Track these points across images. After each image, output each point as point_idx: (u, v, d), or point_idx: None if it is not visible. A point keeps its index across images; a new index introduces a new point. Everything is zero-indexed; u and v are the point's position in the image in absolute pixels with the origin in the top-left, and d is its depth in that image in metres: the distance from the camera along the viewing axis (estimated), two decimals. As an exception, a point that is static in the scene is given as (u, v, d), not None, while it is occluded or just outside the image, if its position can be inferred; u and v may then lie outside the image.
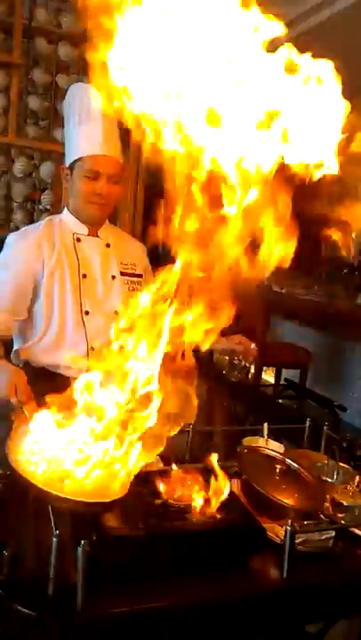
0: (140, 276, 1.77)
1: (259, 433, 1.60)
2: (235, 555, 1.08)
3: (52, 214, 2.37)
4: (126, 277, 1.71)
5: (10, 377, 1.34)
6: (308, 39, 1.34)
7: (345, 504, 1.29)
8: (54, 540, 0.90)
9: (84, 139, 1.58)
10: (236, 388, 1.79)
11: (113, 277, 1.69)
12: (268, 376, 4.79)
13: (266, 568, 1.08)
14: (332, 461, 1.47)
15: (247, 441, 1.54)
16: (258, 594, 1.03)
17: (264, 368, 4.53)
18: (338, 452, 1.53)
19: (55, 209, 2.42)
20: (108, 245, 1.71)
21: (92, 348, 1.62)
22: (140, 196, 2.77)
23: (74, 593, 0.89)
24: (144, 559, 1.00)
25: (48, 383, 1.66)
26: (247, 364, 1.71)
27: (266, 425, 1.59)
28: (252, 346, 1.71)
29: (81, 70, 2.47)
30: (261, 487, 1.22)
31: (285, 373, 4.41)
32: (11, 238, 1.66)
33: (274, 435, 1.60)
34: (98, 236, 1.69)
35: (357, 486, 1.38)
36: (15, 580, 0.93)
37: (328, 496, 1.31)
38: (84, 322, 1.63)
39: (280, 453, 1.43)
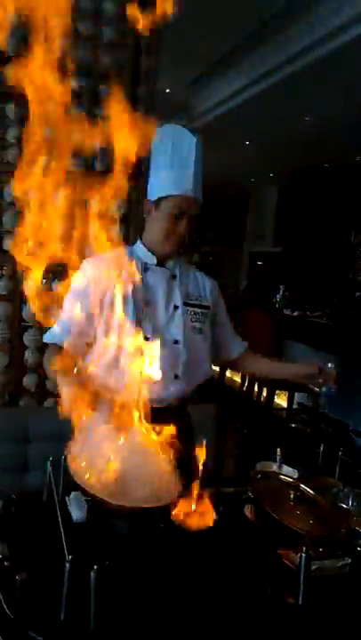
0: (205, 307, 1.78)
1: (272, 458, 1.59)
2: (250, 582, 1.07)
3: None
4: (190, 308, 1.73)
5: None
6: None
7: (361, 531, 1.27)
8: (67, 564, 0.89)
9: (176, 179, 1.63)
10: (248, 412, 1.78)
11: (176, 307, 1.70)
12: (281, 400, 4.75)
13: (281, 595, 1.06)
14: (347, 487, 1.45)
15: (260, 466, 1.52)
16: (274, 621, 1.01)
17: (277, 392, 4.50)
18: (353, 478, 1.51)
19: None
20: (174, 277, 1.74)
21: (147, 374, 1.64)
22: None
23: (86, 618, 0.88)
24: (157, 584, 0.99)
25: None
26: (332, 389, 1.66)
27: (279, 450, 1.57)
28: (329, 365, 1.69)
29: (92, 103, 2.53)
30: (276, 513, 1.20)
31: (298, 397, 4.37)
32: (84, 263, 1.71)
33: (287, 459, 1.59)
34: (165, 267, 1.73)
35: (373, 512, 1.36)
36: (27, 605, 0.92)
37: (344, 522, 1.29)
38: (141, 348, 1.66)
39: (294, 479, 1.42)
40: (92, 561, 0.90)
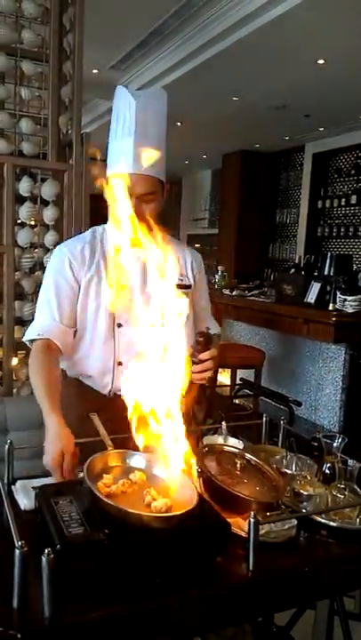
0: (186, 287, 1.68)
1: (218, 431, 1.62)
2: (202, 551, 1.09)
3: None
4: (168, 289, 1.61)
5: (59, 444, 1.27)
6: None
7: (305, 493, 1.33)
8: (17, 551, 0.88)
9: (119, 153, 1.49)
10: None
11: (152, 289, 1.60)
12: (225, 377, 4.84)
13: (233, 562, 1.09)
14: (290, 453, 1.50)
15: (207, 440, 1.55)
16: (227, 587, 1.04)
17: (220, 370, 4.58)
18: (295, 445, 1.56)
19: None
20: (149, 256, 1.59)
21: (120, 363, 1.59)
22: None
23: (41, 605, 0.87)
24: (111, 564, 0.99)
25: (81, 396, 1.62)
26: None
27: (224, 423, 1.61)
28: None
29: (42, 84, 2.43)
30: (223, 483, 1.23)
31: (240, 373, 4.48)
32: (57, 249, 1.63)
33: (232, 432, 1.62)
34: (138, 247, 1.57)
35: (316, 475, 1.42)
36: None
37: (288, 487, 1.34)
38: (114, 334, 1.60)
39: (239, 449, 1.45)
40: (43, 546, 0.89)
